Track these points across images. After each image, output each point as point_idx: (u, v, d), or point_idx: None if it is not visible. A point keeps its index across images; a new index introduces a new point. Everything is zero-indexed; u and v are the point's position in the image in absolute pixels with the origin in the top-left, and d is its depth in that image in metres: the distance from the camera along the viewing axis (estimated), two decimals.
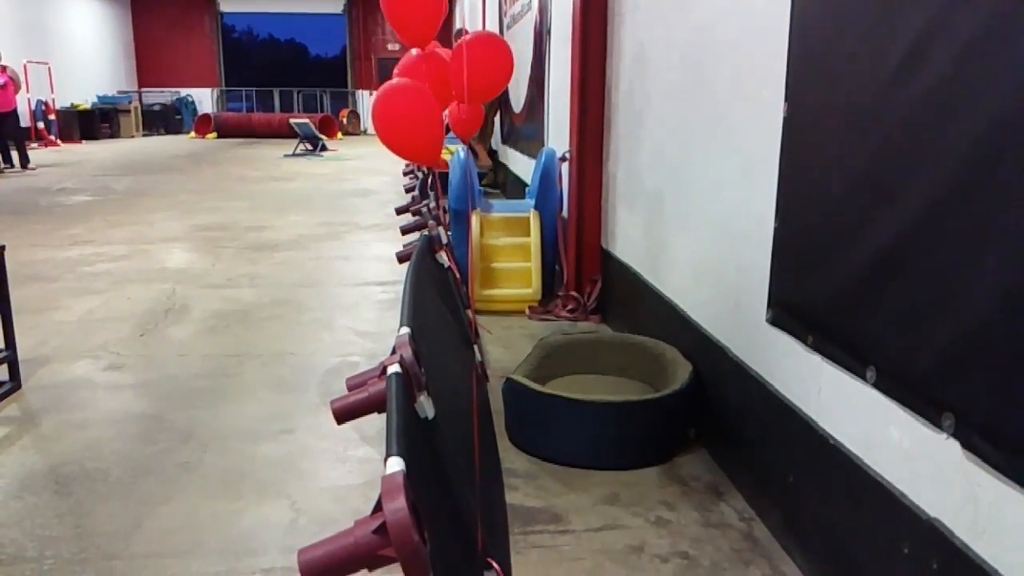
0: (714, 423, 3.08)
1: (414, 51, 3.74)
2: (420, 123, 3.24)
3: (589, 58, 4.83)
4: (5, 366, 3.74)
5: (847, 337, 2.05)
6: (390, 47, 26.08)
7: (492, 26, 11.37)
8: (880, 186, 1.88)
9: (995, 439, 1.51)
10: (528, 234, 5.32)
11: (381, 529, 0.85)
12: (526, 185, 6.87)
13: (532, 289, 5.16)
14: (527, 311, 5.09)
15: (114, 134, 22.28)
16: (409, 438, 1.09)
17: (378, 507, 0.87)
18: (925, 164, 1.71)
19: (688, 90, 3.42)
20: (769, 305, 2.53)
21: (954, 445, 1.63)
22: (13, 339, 3.74)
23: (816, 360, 2.23)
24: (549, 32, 6.93)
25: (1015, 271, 1.45)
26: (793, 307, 2.38)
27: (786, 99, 2.38)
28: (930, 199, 1.69)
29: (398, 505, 0.86)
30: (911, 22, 1.76)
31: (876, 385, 1.92)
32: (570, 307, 5.07)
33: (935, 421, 1.69)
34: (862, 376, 1.97)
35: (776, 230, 2.47)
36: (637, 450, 3.03)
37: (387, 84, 3.29)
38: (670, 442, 3.11)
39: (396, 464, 0.95)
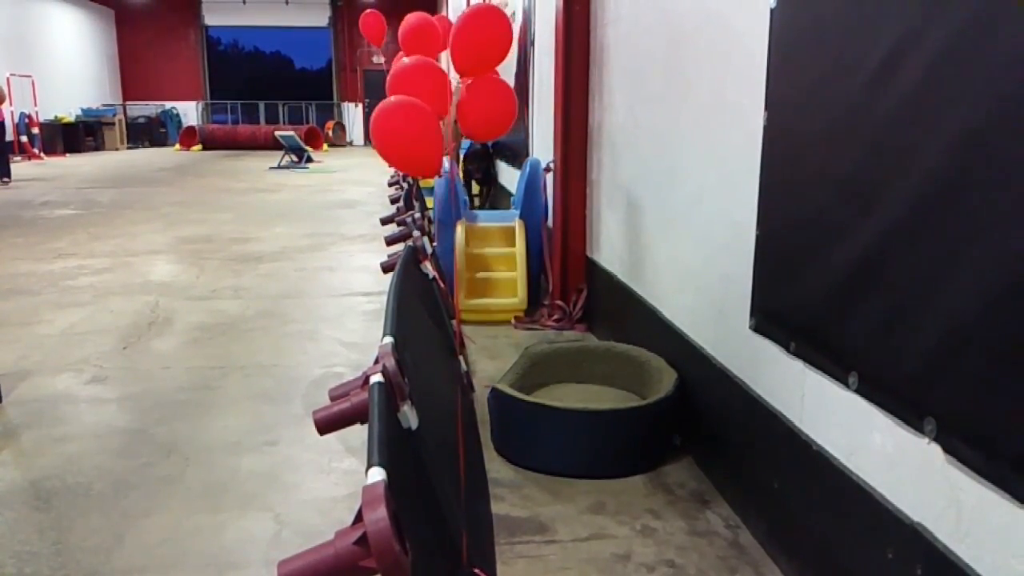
0: (699, 431, 3.08)
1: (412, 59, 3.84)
2: (419, 138, 3.31)
3: (572, 68, 4.85)
4: None
5: (829, 343, 2.06)
6: (375, 60, 26.10)
7: None
8: (859, 193, 1.90)
9: (976, 443, 1.51)
10: (513, 244, 5.32)
11: (362, 540, 0.84)
12: (511, 195, 6.88)
13: (517, 298, 5.16)
14: (512, 321, 5.09)
15: (98, 147, 22.15)
16: (391, 448, 1.09)
17: (359, 518, 0.86)
18: (904, 171, 1.73)
19: (670, 100, 3.44)
20: (752, 312, 2.54)
21: (936, 449, 1.64)
22: None
23: (799, 367, 2.24)
24: (533, 43, 6.97)
25: (994, 275, 1.46)
26: (776, 314, 2.39)
27: (766, 107, 2.40)
28: (909, 205, 1.71)
29: (379, 515, 0.85)
30: (887, 32, 1.78)
31: (858, 391, 1.92)
32: (556, 316, 5.07)
33: (917, 426, 1.70)
34: (844, 382, 1.98)
35: (758, 238, 2.49)
36: (622, 459, 3.03)
37: (385, 102, 3.36)
38: (655, 450, 3.11)
39: (377, 474, 0.94)
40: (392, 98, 3.37)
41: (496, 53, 3.77)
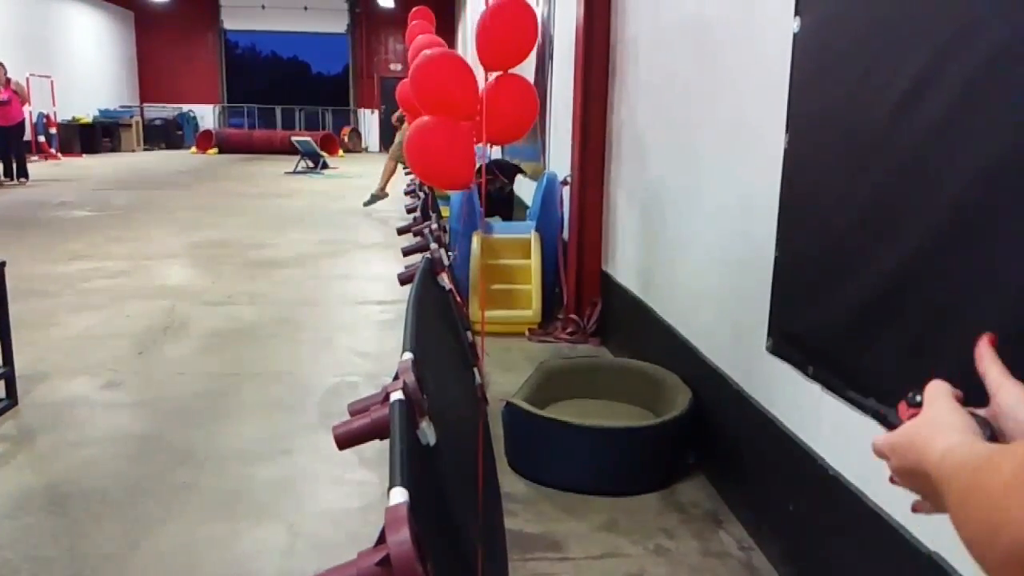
0: (713, 450, 3.07)
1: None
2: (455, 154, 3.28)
3: (592, 84, 4.86)
4: (2, 383, 3.72)
5: (848, 368, 2.05)
6: (392, 67, 26.23)
7: None
8: (881, 218, 1.89)
9: None
10: (529, 256, 5.33)
11: (384, 561, 0.85)
12: (526, 207, 6.90)
13: (532, 311, 5.17)
14: (527, 333, 5.09)
15: (115, 148, 22.31)
16: (412, 467, 1.09)
17: (381, 538, 0.87)
18: (927, 197, 1.72)
19: (690, 117, 3.44)
20: (769, 334, 2.54)
21: None
22: (11, 355, 3.73)
23: (816, 390, 2.24)
24: (551, 57, 6.99)
25: (1019, 305, 1.46)
26: (793, 337, 2.38)
27: (787, 130, 2.40)
28: (932, 232, 1.71)
29: (402, 538, 0.85)
30: (914, 58, 1.78)
31: (877, 417, 1.92)
32: (570, 330, 5.07)
33: None
34: (863, 408, 1.97)
35: (777, 259, 2.48)
36: (636, 476, 3.02)
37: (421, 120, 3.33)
38: (669, 468, 3.10)
39: (400, 495, 0.94)
40: (426, 118, 3.34)
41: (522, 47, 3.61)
